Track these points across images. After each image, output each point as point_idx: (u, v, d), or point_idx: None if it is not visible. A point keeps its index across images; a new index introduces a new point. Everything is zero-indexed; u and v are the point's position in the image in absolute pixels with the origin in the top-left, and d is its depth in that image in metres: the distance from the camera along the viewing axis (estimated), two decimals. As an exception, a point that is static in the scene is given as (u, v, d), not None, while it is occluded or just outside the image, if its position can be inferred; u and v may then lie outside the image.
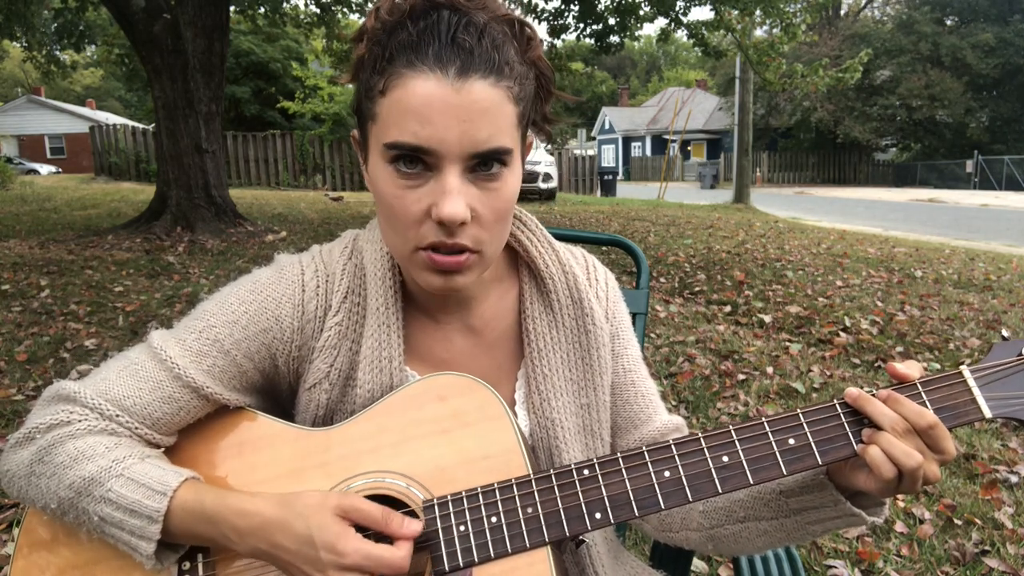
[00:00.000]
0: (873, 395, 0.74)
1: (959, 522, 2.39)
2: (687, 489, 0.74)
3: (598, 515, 0.74)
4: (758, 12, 8.81)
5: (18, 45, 14.23)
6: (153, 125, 11.03)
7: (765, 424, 0.75)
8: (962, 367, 0.76)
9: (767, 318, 4.89)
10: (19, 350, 3.87)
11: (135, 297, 5.14)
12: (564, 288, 0.93)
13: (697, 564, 2.15)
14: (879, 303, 5.40)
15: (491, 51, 0.73)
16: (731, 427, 0.75)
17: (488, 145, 0.74)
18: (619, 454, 0.76)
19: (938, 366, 3.91)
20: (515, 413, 0.92)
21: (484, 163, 0.75)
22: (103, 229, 8.38)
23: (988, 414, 0.73)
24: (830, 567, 2.13)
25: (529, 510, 0.75)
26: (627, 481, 0.75)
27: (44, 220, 9.62)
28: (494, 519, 0.75)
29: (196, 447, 0.86)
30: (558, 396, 0.91)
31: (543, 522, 0.74)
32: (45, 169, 32.68)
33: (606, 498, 0.75)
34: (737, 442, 0.75)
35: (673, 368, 3.87)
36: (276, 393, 0.92)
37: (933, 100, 31.49)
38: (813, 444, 0.74)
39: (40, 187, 16.36)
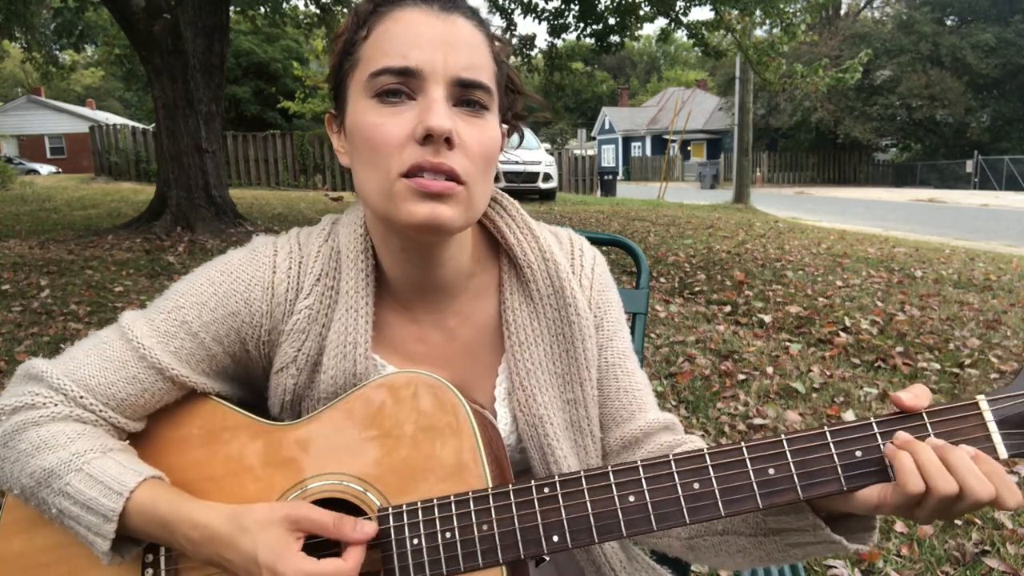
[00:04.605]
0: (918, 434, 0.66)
1: (959, 522, 2.39)
2: (652, 516, 0.68)
3: (555, 538, 0.70)
4: (758, 12, 8.81)
5: (18, 46, 14.24)
6: (153, 125, 11.04)
7: (744, 450, 0.68)
8: (979, 397, 0.66)
9: (767, 318, 4.89)
10: (19, 350, 3.87)
11: (135, 297, 5.14)
12: (544, 276, 0.89)
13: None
14: (879, 303, 5.40)
15: (470, 4, 0.80)
16: (706, 451, 0.69)
17: (471, 74, 0.76)
18: (582, 472, 0.71)
19: (938, 366, 3.91)
20: (494, 411, 0.90)
21: (466, 98, 0.77)
22: (103, 229, 8.37)
23: (1003, 454, 0.64)
24: (830, 567, 2.13)
25: (484, 527, 0.71)
26: (588, 503, 0.70)
27: (44, 220, 9.62)
28: (448, 535, 0.72)
29: (164, 434, 0.86)
30: (543, 391, 0.87)
31: (497, 542, 0.71)
32: (45, 169, 32.72)
33: (565, 520, 0.70)
34: (711, 468, 0.68)
35: (673, 368, 3.87)
36: (252, 380, 0.91)
37: (933, 100, 31.51)
38: (795, 476, 0.67)
39: (40, 187, 16.36)
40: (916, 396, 0.67)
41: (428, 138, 0.73)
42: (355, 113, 0.78)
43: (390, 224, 0.78)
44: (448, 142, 0.74)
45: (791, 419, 3.19)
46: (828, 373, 3.83)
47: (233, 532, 0.72)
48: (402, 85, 0.75)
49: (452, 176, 0.74)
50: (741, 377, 3.75)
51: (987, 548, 2.24)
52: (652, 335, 4.46)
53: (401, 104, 0.75)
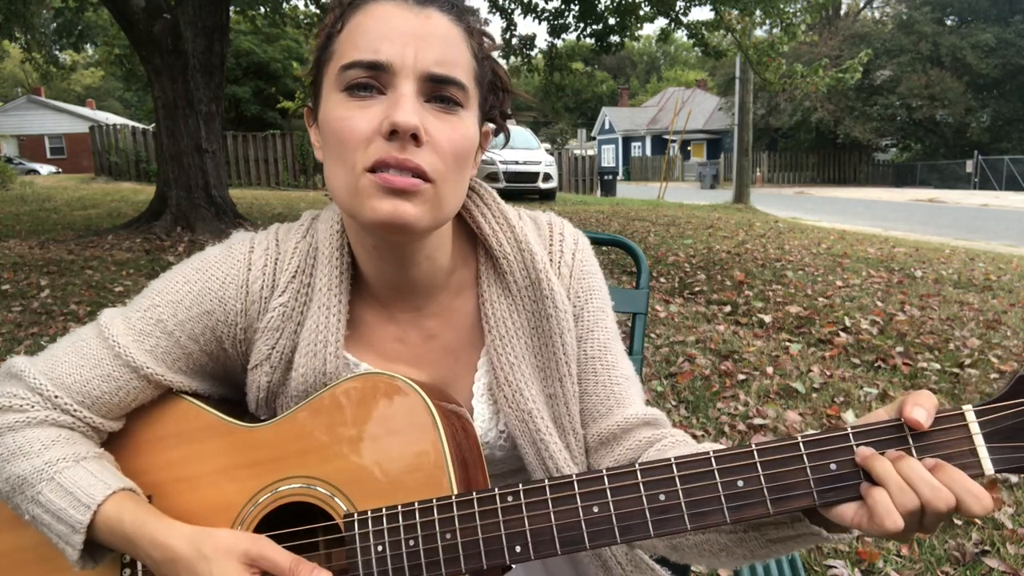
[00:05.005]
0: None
1: (959, 522, 2.39)
2: (616, 528, 0.67)
3: (518, 548, 0.68)
4: (758, 12, 8.81)
5: (18, 46, 14.25)
6: (153, 125, 11.03)
7: (712, 460, 0.66)
8: (965, 407, 0.62)
9: (767, 318, 4.89)
10: (19, 350, 3.87)
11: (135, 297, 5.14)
12: (520, 268, 0.86)
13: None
14: (879, 303, 5.39)
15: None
16: (673, 461, 0.67)
17: (443, 70, 0.74)
18: (546, 481, 0.69)
19: (938, 366, 3.91)
20: (471, 408, 0.88)
21: (439, 94, 0.75)
22: (103, 229, 8.37)
23: (989, 470, 0.60)
24: (830, 567, 2.13)
25: (448, 536, 0.70)
26: (552, 513, 0.68)
27: (44, 220, 9.62)
28: (412, 543, 0.71)
29: (139, 434, 0.86)
30: (529, 385, 0.85)
31: (460, 551, 0.70)
32: (45, 169, 32.73)
33: (528, 531, 0.68)
34: (677, 479, 0.66)
35: (673, 368, 3.87)
36: (232, 376, 0.90)
37: (933, 100, 31.52)
38: (765, 490, 0.64)
39: (40, 187, 16.36)
40: (929, 414, 0.62)
41: (394, 134, 0.71)
42: (326, 107, 0.77)
43: (357, 221, 0.77)
44: (415, 139, 0.72)
45: (791, 419, 3.19)
46: (828, 373, 3.83)
47: (192, 557, 0.73)
48: (372, 79, 0.73)
49: (419, 173, 0.72)
50: (741, 377, 3.74)
51: (987, 548, 2.24)
52: (652, 335, 4.46)
53: (370, 98, 0.73)
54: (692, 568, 2.10)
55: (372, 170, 0.72)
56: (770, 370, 3.85)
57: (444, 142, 0.74)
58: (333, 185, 0.77)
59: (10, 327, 4.30)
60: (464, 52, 0.77)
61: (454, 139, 0.75)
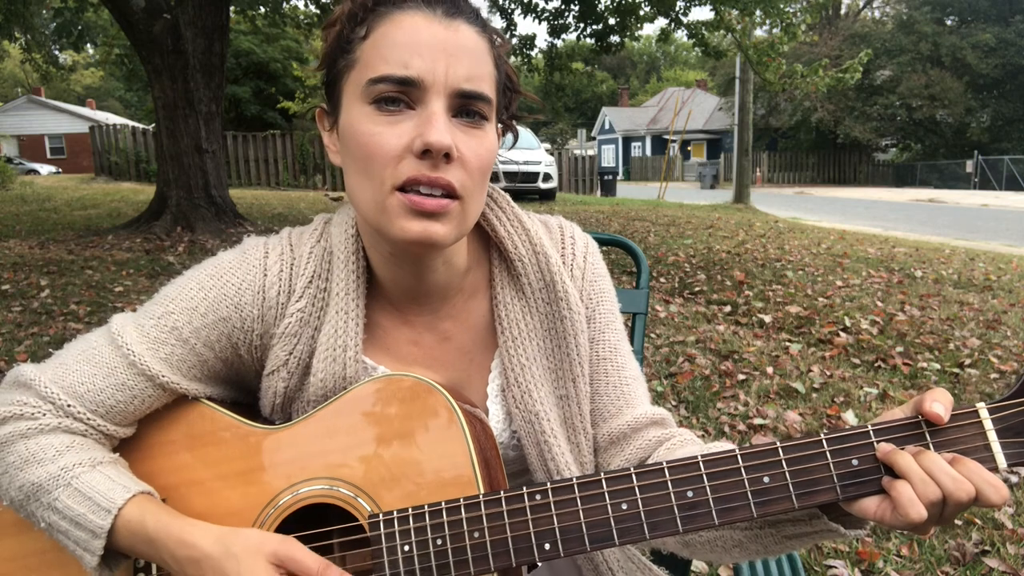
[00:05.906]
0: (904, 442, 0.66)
1: (959, 522, 2.39)
2: (644, 525, 0.68)
3: (547, 546, 0.69)
4: (758, 12, 8.81)
5: (17, 46, 14.25)
6: (153, 125, 11.04)
7: (739, 458, 0.68)
8: (979, 405, 0.64)
9: (767, 318, 4.89)
10: (19, 350, 3.86)
11: (135, 297, 5.14)
12: (535, 270, 0.87)
13: (697, 564, 2.15)
14: (879, 303, 5.39)
15: (475, 7, 0.78)
16: (700, 459, 0.68)
17: (472, 85, 0.74)
18: (575, 480, 0.70)
19: (938, 366, 3.91)
20: (486, 409, 0.89)
21: (466, 109, 0.75)
22: (103, 229, 8.37)
23: (1003, 464, 0.63)
24: (830, 567, 2.13)
25: (476, 535, 0.70)
26: (581, 511, 0.69)
27: (44, 220, 9.62)
28: (439, 542, 0.71)
29: (151, 438, 0.85)
30: (538, 387, 0.86)
31: (489, 550, 0.70)
32: (45, 169, 32.72)
33: (557, 528, 0.69)
34: (705, 476, 0.68)
35: (673, 368, 3.87)
36: (244, 381, 0.89)
37: (933, 100, 31.52)
38: (790, 485, 0.66)
39: (40, 187, 16.36)
40: (947, 409, 0.64)
41: (426, 152, 0.71)
42: (350, 117, 0.76)
43: (384, 237, 0.77)
44: (447, 156, 0.72)
45: (791, 419, 3.19)
46: (828, 373, 3.83)
47: (221, 556, 0.72)
48: (401, 94, 0.73)
49: (449, 190, 0.73)
50: (741, 377, 3.74)
51: (987, 548, 2.24)
52: (652, 335, 4.46)
53: (400, 113, 0.73)
54: (692, 568, 2.10)
55: (402, 188, 0.73)
56: (770, 370, 3.85)
57: (472, 159, 0.75)
58: (358, 198, 0.77)
59: (10, 327, 4.30)
60: (489, 64, 0.78)
61: (481, 154, 0.76)
